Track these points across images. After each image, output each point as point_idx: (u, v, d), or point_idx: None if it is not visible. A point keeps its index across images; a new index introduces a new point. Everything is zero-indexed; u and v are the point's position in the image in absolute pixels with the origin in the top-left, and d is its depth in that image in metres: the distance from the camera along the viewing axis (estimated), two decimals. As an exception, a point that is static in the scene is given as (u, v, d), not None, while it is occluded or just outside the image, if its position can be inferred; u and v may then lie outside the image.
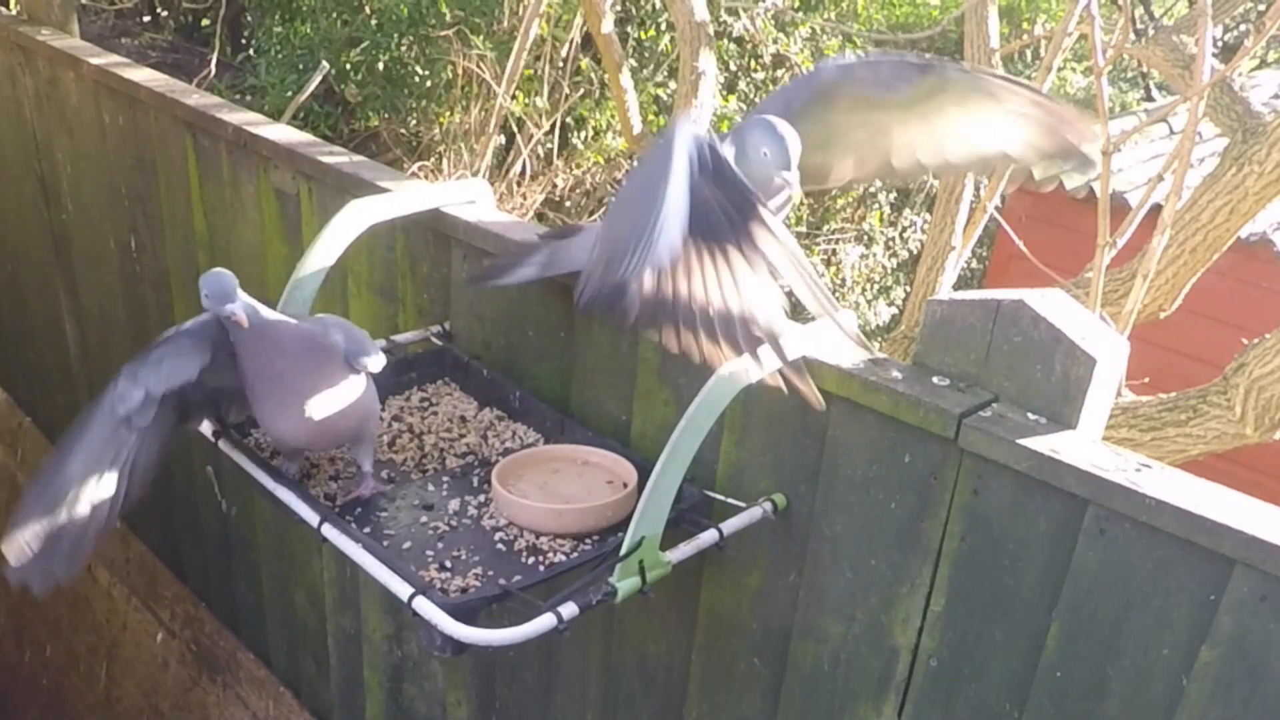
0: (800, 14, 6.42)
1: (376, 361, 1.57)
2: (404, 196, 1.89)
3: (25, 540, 1.34)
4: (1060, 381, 1.30)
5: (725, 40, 6.02)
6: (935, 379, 1.39)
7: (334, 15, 5.51)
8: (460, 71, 5.34)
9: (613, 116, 5.81)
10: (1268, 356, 2.14)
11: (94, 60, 2.76)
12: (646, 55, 6.21)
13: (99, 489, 1.41)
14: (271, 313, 1.53)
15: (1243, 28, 7.80)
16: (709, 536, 1.49)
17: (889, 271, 7.27)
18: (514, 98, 5.24)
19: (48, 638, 3.98)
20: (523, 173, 5.48)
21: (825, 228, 6.77)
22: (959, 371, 1.38)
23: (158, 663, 3.38)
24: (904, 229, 7.25)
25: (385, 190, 1.95)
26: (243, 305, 1.45)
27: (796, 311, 1.52)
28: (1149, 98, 7.95)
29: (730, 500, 1.57)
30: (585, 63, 5.75)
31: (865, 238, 7.02)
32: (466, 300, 1.95)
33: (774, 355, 1.23)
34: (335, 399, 1.54)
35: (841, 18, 6.92)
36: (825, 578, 1.53)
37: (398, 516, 1.59)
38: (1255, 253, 4.42)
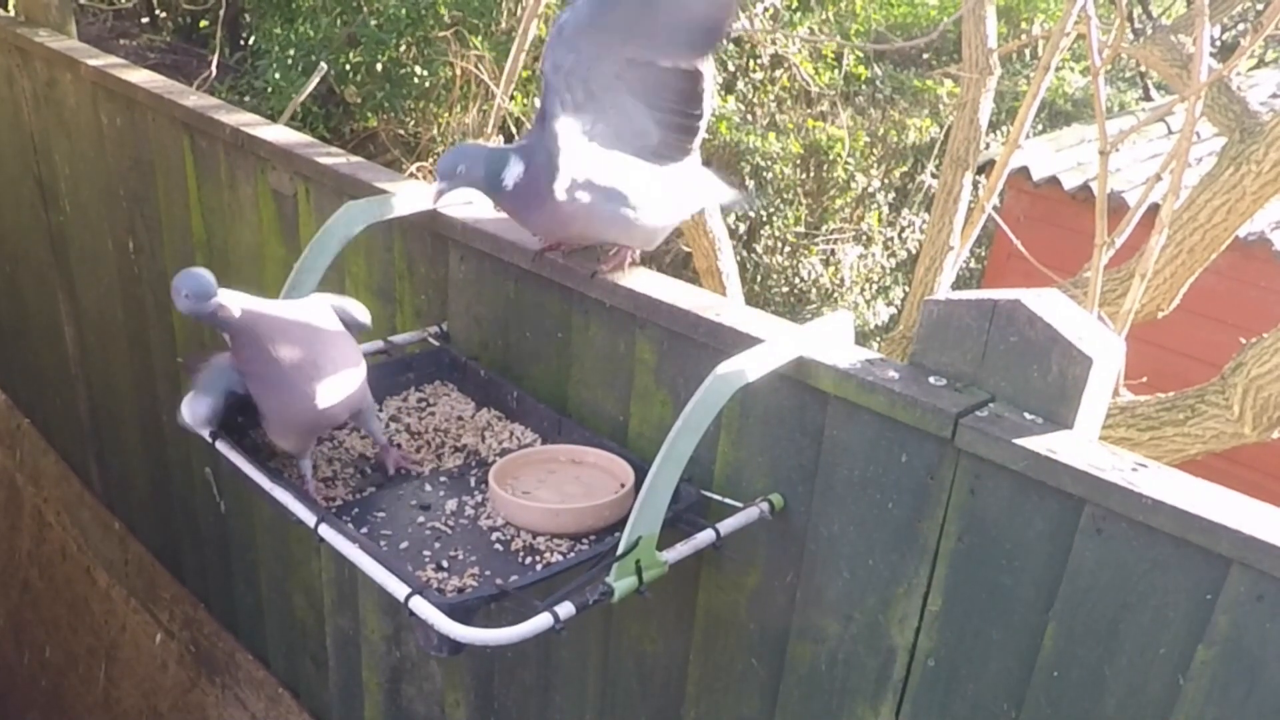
0: (798, 14, 6.41)
1: (363, 311, 1.62)
2: (402, 197, 1.89)
3: None
4: (1057, 381, 1.30)
5: (724, 40, 6.02)
6: (932, 379, 1.39)
7: (334, 16, 5.52)
8: (459, 72, 5.35)
9: (611, 117, 5.79)
10: (1265, 356, 2.15)
11: (92, 62, 2.76)
12: (645, 55, 6.19)
13: None
14: (256, 299, 1.53)
15: (1240, 27, 7.81)
16: (706, 537, 1.49)
17: (887, 271, 7.26)
18: (512, 98, 5.24)
19: (47, 639, 3.98)
20: (521, 173, 5.46)
21: (824, 228, 6.76)
22: (956, 371, 1.38)
23: (156, 664, 3.38)
24: (902, 229, 7.25)
25: (383, 191, 1.95)
26: (224, 297, 1.45)
27: (795, 312, 1.51)
28: (1147, 97, 7.97)
29: (727, 500, 1.56)
30: (584, 63, 5.73)
31: (864, 238, 7.02)
32: (464, 301, 1.95)
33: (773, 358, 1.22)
34: (337, 360, 1.55)
35: (840, 18, 6.92)
36: (822, 578, 1.53)
37: (395, 516, 1.59)
38: (1253, 252, 4.43)
